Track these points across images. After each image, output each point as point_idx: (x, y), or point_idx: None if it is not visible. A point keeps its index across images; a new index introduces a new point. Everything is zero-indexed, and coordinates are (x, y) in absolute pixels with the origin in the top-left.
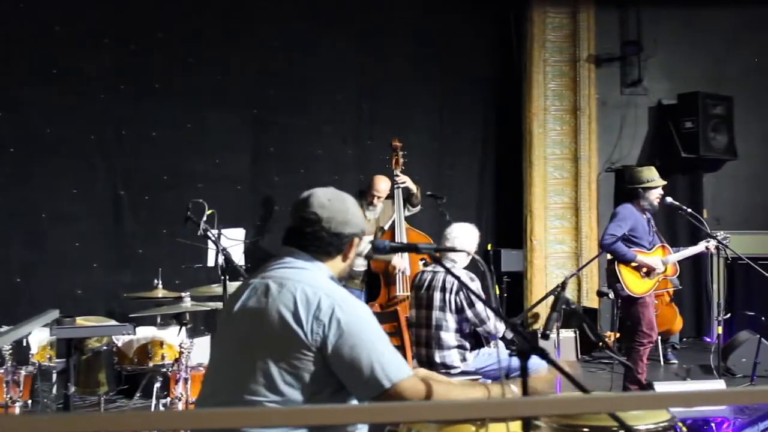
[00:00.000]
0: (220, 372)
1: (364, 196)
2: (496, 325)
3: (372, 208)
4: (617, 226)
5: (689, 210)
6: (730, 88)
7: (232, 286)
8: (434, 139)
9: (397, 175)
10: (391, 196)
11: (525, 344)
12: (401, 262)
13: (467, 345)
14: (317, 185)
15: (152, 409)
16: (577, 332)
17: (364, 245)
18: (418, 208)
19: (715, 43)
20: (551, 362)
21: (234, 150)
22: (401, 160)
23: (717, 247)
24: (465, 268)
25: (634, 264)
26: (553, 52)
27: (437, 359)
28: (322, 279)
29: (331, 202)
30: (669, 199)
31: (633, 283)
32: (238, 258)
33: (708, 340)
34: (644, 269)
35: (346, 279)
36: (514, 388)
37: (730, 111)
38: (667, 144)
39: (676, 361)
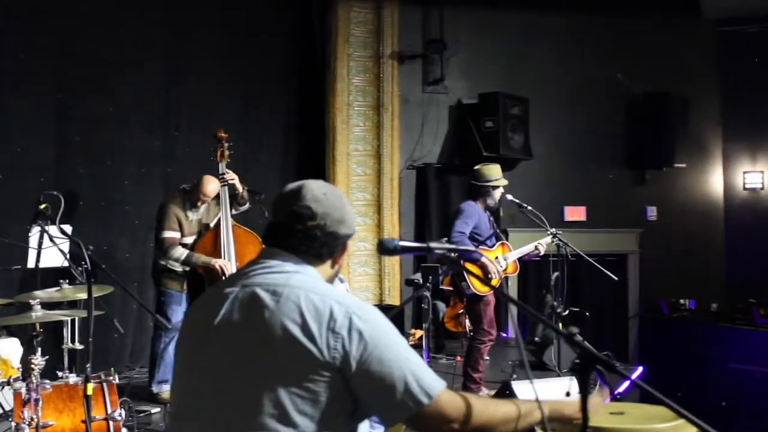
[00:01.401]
0: (203, 403)
1: (188, 196)
2: None
3: (195, 210)
4: (464, 223)
5: (529, 207)
6: (525, 89)
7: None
8: (239, 131)
9: (224, 174)
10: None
11: (587, 356)
12: (227, 263)
13: None
14: (125, 178)
15: None
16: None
17: (181, 251)
18: (246, 206)
19: (512, 45)
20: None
21: (37, 138)
22: (227, 153)
23: (558, 245)
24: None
25: (478, 262)
26: (357, 47)
27: None
28: (321, 283)
29: (327, 197)
30: (510, 197)
31: (478, 281)
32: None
33: (504, 335)
34: (487, 270)
35: (167, 280)
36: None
37: (526, 112)
38: (468, 143)
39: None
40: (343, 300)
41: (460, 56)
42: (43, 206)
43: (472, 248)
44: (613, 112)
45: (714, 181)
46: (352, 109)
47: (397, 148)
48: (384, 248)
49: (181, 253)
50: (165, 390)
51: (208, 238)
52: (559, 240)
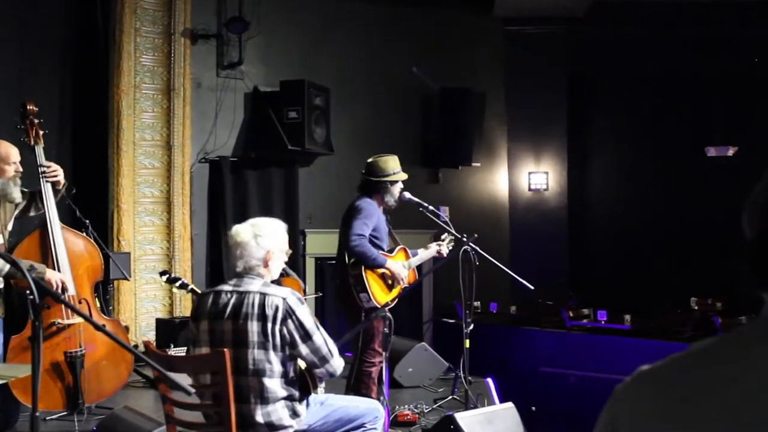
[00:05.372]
0: None
1: None
2: (339, 361)
3: (16, 187)
4: (364, 224)
5: (431, 207)
6: (324, 78)
7: None
8: (11, 112)
9: (46, 167)
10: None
11: None
12: (55, 274)
13: (296, 394)
14: None
15: None
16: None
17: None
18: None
19: (311, 31)
20: None
21: None
22: (41, 132)
23: (469, 251)
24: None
25: (380, 271)
26: (146, 21)
27: (260, 417)
28: None
29: None
30: (408, 195)
31: (380, 292)
32: None
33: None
34: (390, 280)
35: None
36: None
37: (328, 103)
38: (268, 134)
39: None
40: None
41: (258, 39)
42: None
43: (376, 253)
44: (410, 107)
45: (501, 181)
46: (139, 91)
47: (189, 138)
48: None
49: (2, 264)
50: None
51: (32, 242)
52: (469, 246)
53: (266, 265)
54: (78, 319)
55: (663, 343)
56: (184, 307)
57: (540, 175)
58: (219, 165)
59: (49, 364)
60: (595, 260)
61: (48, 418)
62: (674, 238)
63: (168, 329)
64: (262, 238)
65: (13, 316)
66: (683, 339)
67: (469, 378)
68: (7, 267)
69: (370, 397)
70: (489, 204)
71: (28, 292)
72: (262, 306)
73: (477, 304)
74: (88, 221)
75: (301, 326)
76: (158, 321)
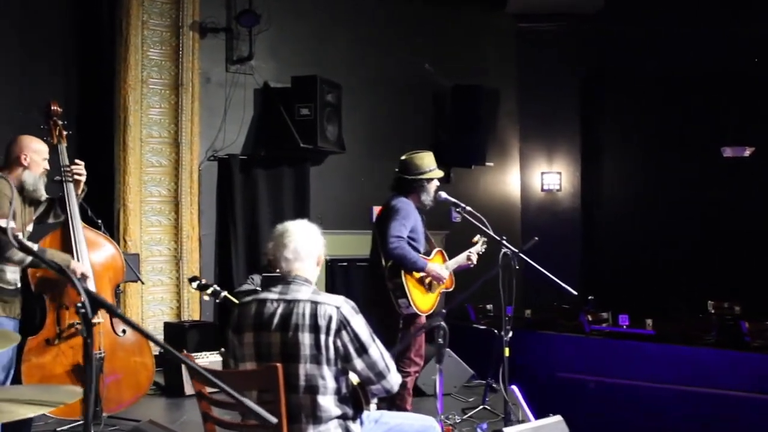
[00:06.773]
0: None
1: (8, 174)
2: (397, 377)
3: (42, 185)
4: (402, 225)
5: (468, 208)
6: (334, 75)
7: None
8: (12, 111)
9: (70, 167)
10: None
11: None
12: (79, 264)
13: (350, 412)
14: None
15: None
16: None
17: (31, 243)
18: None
19: (324, 25)
20: None
21: None
22: (64, 132)
23: (506, 255)
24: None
25: (419, 274)
26: (153, 14)
27: None
28: None
29: None
30: (444, 194)
31: (419, 297)
32: None
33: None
34: (428, 280)
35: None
36: None
37: (340, 100)
38: (279, 132)
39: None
40: None
41: (269, 33)
42: None
43: (416, 256)
44: (422, 104)
45: (513, 181)
46: (146, 86)
47: (197, 135)
48: None
49: (31, 244)
50: None
51: (53, 241)
52: (508, 248)
53: (319, 263)
54: (99, 320)
55: (687, 348)
56: (192, 310)
57: (553, 176)
58: (228, 163)
59: (70, 367)
60: (609, 262)
61: (59, 429)
62: (689, 239)
63: (176, 333)
64: (310, 235)
65: (28, 318)
66: (708, 344)
67: (495, 386)
68: (29, 258)
69: (405, 409)
70: (501, 204)
71: (79, 305)
72: (314, 316)
73: (489, 306)
74: (100, 221)
75: (356, 338)
76: (166, 325)
